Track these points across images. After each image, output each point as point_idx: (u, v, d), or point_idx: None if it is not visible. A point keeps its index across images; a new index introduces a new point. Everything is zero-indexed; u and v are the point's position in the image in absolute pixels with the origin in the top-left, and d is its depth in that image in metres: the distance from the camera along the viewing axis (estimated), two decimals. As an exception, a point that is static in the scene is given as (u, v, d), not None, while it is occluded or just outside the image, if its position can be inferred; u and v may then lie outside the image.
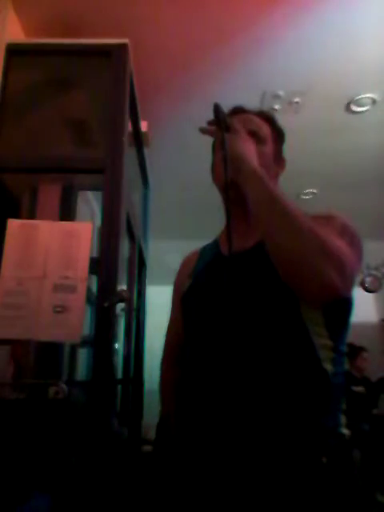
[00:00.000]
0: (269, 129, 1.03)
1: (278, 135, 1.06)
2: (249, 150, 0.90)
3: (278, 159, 1.06)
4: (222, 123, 0.90)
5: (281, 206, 0.80)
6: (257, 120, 1.03)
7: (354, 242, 0.86)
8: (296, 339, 0.84)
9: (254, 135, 0.98)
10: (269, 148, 1.02)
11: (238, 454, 0.80)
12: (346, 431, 0.85)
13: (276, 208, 0.81)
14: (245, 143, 0.90)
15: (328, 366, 0.84)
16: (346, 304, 0.89)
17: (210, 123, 0.93)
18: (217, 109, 0.90)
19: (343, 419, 0.86)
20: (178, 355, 1.03)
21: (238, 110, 1.05)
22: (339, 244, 0.80)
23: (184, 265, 1.13)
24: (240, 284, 0.89)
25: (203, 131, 0.93)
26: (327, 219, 0.88)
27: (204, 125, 0.94)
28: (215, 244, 1.07)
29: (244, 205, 0.90)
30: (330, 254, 0.76)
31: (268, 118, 1.05)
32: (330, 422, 0.83)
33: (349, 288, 0.83)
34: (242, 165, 0.87)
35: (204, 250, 1.12)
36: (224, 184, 0.87)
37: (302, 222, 0.78)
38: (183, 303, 1.03)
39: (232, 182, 0.87)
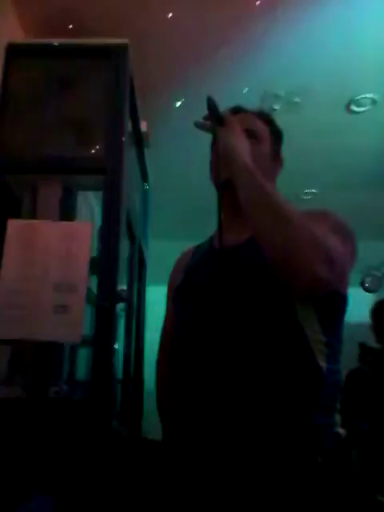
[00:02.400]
0: (266, 128, 1.04)
1: (276, 135, 1.07)
2: (241, 145, 0.90)
3: (276, 159, 1.06)
4: (215, 116, 0.90)
5: (270, 200, 0.81)
6: (254, 119, 1.03)
7: (347, 238, 0.87)
8: (289, 333, 0.84)
9: (252, 134, 0.99)
10: (266, 147, 1.02)
11: (231, 452, 0.80)
12: (341, 431, 0.85)
13: (265, 202, 0.82)
14: (237, 137, 0.90)
15: (322, 363, 0.84)
16: (340, 300, 0.89)
17: (205, 118, 0.93)
18: (210, 102, 0.91)
19: (338, 418, 0.86)
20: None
21: (237, 110, 1.05)
22: (331, 239, 0.80)
23: (179, 261, 1.15)
24: (232, 277, 0.89)
25: (198, 125, 0.93)
26: (321, 216, 0.89)
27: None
28: (209, 241, 1.08)
29: (238, 201, 0.90)
30: (319, 248, 0.77)
31: (266, 118, 1.06)
32: (324, 421, 0.82)
33: (339, 281, 0.84)
34: (233, 159, 0.87)
35: (199, 247, 1.13)
36: (216, 175, 0.88)
37: (291, 215, 0.79)
38: (176, 298, 1.04)
39: (226, 180, 0.88)
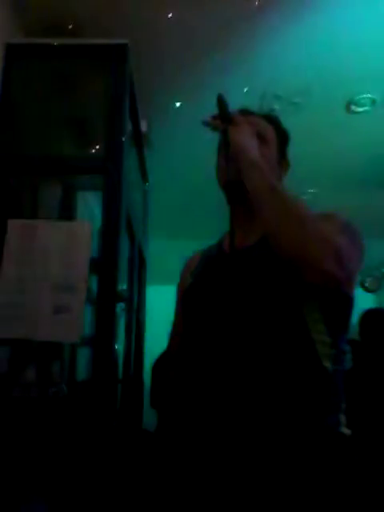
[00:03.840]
0: (273, 131, 1.04)
1: (283, 138, 1.07)
2: (250, 142, 0.90)
3: (282, 162, 1.06)
4: (225, 114, 0.90)
5: (279, 195, 0.82)
6: (261, 122, 1.03)
7: (355, 240, 0.87)
8: (296, 335, 0.84)
9: (259, 137, 0.99)
10: (273, 150, 1.02)
11: (237, 452, 0.80)
12: (346, 430, 0.85)
13: (274, 197, 0.82)
14: (246, 135, 0.91)
15: (327, 364, 0.84)
16: (346, 301, 0.89)
17: (213, 118, 0.93)
18: (220, 100, 0.91)
19: (343, 419, 0.86)
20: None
21: (244, 112, 1.05)
22: (340, 239, 0.81)
23: (187, 265, 1.14)
24: (241, 279, 0.89)
25: (206, 124, 0.93)
26: (329, 217, 0.89)
27: (204, 126, 0.94)
28: (218, 244, 1.08)
29: (246, 203, 0.90)
30: (329, 244, 0.77)
31: (272, 121, 1.06)
32: (329, 421, 0.83)
33: (348, 278, 0.83)
34: (242, 155, 0.88)
35: (207, 250, 1.12)
36: (225, 170, 0.88)
37: (301, 211, 0.80)
38: (184, 301, 1.04)
39: (235, 180, 0.88)
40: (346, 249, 0.80)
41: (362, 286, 4.75)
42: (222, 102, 0.91)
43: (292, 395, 0.81)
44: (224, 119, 0.91)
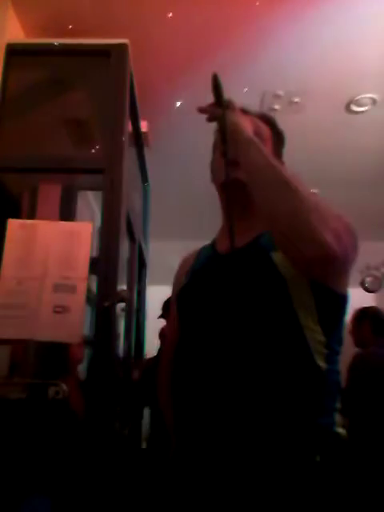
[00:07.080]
0: (269, 131, 1.04)
1: (278, 137, 1.07)
2: (244, 122, 0.90)
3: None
4: (220, 97, 0.89)
5: (277, 171, 0.81)
6: (257, 121, 1.03)
7: (350, 230, 0.85)
8: (289, 334, 0.84)
9: (256, 135, 0.98)
10: (268, 150, 1.02)
11: (231, 452, 0.80)
12: (341, 430, 0.85)
13: (272, 173, 0.81)
14: (240, 116, 0.91)
15: (321, 363, 0.84)
16: (340, 300, 0.89)
17: (209, 105, 0.93)
18: (215, 80, 0.90)
19: (338, 418, 0.86)
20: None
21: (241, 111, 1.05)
22: (336, 223, 0.79)
23: (182, 265, 1.14)
24: (234, 280, 0.89)
25: (201, 110, 0.93)
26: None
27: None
28: (212, 244, 1.08)
29: (240, 203, 0.90)
30: (326, 218, 0.76)
31: (268, 120, 1.06)
32: (323, 421, 0.83)
33: (344, 258, 0.79)
34: (238, 135, 0.87)
35: (201, 250, 1.12)
36: (222, 169, 0.87)
37: (298, 186, 0.78)
38: (178, 301, 1.04)
39: (232, 180, 0.88)
40: (343, 229, 0.78)
41: (362, 285, 4.75)
42: (216, 83, 0.90)
43: (286, 394, 0.81)
44: (220, 104, 0.90)
